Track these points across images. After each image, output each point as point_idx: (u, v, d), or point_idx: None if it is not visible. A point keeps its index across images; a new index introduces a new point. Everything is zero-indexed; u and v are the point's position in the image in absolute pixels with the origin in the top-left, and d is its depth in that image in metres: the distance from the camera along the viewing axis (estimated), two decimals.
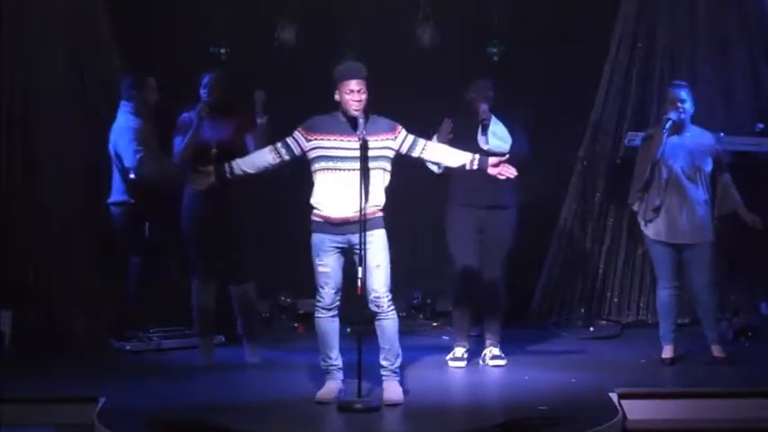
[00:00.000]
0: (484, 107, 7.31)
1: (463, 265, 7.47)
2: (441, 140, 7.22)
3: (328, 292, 6.41)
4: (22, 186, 8.47)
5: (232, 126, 7.42)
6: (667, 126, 7.26)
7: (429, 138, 6.98)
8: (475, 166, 6.50)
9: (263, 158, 6.52)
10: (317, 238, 6.43)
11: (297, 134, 6.46)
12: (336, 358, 6.48)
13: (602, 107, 9.02)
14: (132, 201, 7.83)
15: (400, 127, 6.48)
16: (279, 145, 6.48)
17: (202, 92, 7.43)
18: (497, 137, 7.29)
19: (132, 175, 7.77)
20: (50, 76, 8.52)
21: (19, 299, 8.32)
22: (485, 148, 7.27)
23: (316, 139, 6.40)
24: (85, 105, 8.58)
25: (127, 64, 8.53)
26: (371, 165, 6.35)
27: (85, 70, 8.62)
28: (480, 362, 7.53)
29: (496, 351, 7.53)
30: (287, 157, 6.46)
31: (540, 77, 8.90)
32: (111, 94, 8.16)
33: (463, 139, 7.24)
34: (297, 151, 6.44)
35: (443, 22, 8.97)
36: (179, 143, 7.37)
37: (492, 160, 6.48)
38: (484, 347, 7.57)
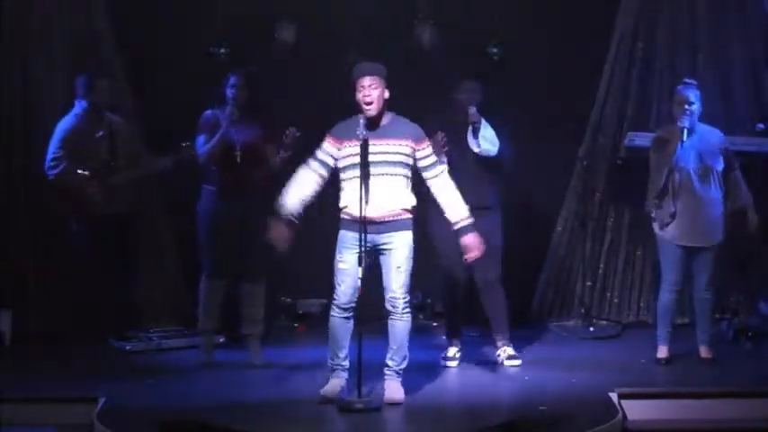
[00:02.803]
0: (473, 110, 7.29)
1: (450, 267, 7.47)
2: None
3: (344, 290, 6.39)
4: (22, 186, 8.46)
5: (256, 129, 7.40)
6: (684, 137, 7.24)
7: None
8: (453, 228, 6.48)
9: (309, 190, 6.41)
10: (342, 234, 6.42)
11: (327, 146, 6.40)
12: (344, 359, 6.47)
13: (602, 107, 9.01)
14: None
15: (427, 143, 6.45)
16: (315, 165, 6.39)
17: (229, 92, 7.37)
18: (487, 140, 7.28)
19: (49, 177, 7.83)
20: (50, 76, 8.52)
21: (19, 299, 8.32)
22: (476, 150, 7.28)
23: (346, 147, 6.36)
24: None
25: (126, 64, 8.54)
26: (392, 170, 6.33)
27: (85, 70, 8.61)
28: (495, 362, 7.52)
29: (511, 351, 7.51)
30: (327, 175, 6.41)
31: (540, 77, 8.89)
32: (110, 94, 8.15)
33: (451, 139, 7.21)
34: (332, 164, 6.40)
35: (443, 22, 8.97)
36: (202, 142, 7.35)
37: (467, 240, 6.44)
38: (496, 348, 7.55)
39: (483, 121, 7.28)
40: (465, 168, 7.28)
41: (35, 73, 8.52)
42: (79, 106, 7.89)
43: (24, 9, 8.50)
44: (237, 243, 7.35)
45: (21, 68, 8.50)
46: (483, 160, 7.30)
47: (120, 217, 7.95)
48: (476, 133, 7.27)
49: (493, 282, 7.49)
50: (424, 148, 6.44)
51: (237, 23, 8.88)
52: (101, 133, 7.83)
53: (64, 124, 7.87)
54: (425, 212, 7.37)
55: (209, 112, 7.43)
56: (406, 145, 6.38)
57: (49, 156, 7.81)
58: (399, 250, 6.37)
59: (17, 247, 8.44)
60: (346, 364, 6.48)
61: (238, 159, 7.26)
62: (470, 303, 7.75)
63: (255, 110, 7.43)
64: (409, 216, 6.42)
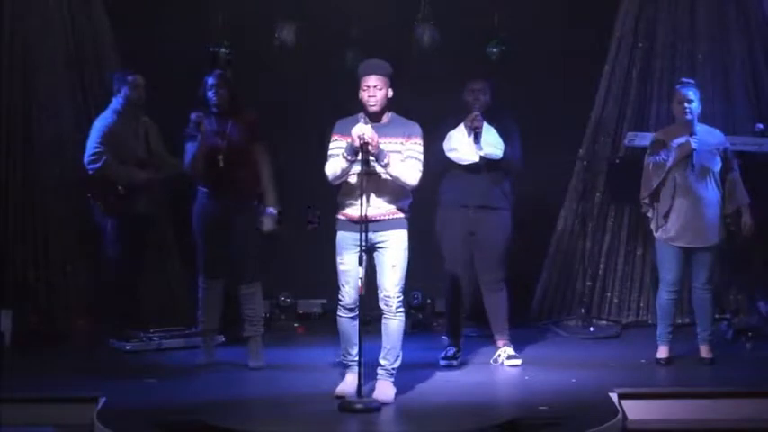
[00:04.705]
0: (476, 114, 7.29)
1: (454, 266, 7.47)
2: (466, 127, 7.22)
3: (348, 291, 6.42)
4: (22, 186, 8.47)
5: (240, 129, 7.36)
6: (693, 160, 7.24)
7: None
8: None
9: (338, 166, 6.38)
10: (340, 236, 6.44)
11: (338, 143, 6.35)
12: (356, 354, 6.46)
13: (602, 107, 9.01)
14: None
15: (415, 138, 6.39)
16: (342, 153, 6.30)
17: (209, 95, 7.32)
18: (490, 144, 7.28)
19: (89, 171, 7.86)
20: (50, 76, 8.52)
21: (19, 299, 8.32)
22: (479, 154, 7.27)
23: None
24: (86, 105, 8.58)
25: (127, 64, 8.54)
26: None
27: (85, 70, 8.63)
28: (492, 362, 7.52)
29: (511, 351, 7.51)
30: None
31: (540, 77, 8.89)
32: (110, 94, 8.15)
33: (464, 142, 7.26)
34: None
35: (443, 22, 8.97)
36: (190, 150, 7.31)
37: None
38: (496, 348, 7.55)
39: (485, 125, 7.27)
40: (469, 169, 7.31)
41: (35, 73, 8.51)
42: (117, 102, 7.92)
43: (24, 9, 8.50)
44: (229, 243, 7.35)
45: (21, 69, 8.50)
46: (488, 161, 7.31)
47: (140, 217, 7.98)
48: (477, 138, 7.26)
49: (496, 282, 7.49)
50: (414, 143, 6.40)
51: (237, 23, 8.88)
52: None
53: (103, 120, 7.90)
54: (434, 213, 7.43)
55: (193, 115, 7.34)
56: (401, 143, 6.38)
57: (90, 150, 7.82)
58: (394, 249, 6.38)
59: (17, 247, 8.43)
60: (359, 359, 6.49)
61: (221, 163, 7.25)
62: (472, 303, 7.76)
63: (237, 110, 7.38)
64: (403, 216, 6.43)
